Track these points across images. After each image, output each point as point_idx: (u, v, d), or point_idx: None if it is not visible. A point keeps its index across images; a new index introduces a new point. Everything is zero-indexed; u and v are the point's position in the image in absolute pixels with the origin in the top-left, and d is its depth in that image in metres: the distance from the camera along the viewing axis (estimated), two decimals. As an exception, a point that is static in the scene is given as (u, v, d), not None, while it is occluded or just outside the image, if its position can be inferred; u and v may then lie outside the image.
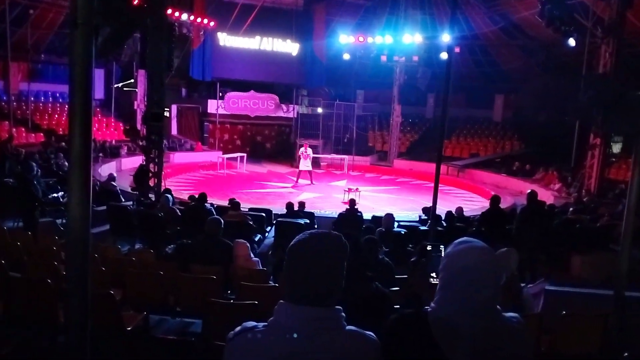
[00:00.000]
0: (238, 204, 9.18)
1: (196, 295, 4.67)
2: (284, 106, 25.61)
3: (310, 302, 1.44)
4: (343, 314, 1.48)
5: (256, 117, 25.31)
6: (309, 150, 18.53)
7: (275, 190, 17.65)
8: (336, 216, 10.29)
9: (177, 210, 9.03)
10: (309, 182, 18.37)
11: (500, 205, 8.92)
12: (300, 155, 18.68)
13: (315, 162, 22.92)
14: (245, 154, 22.25)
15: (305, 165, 18.27)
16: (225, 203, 11.32)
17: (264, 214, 10.00)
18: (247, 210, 10.33)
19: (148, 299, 4.88)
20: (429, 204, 9.59)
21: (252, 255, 6.08)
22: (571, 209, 11.46)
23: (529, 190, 8.66)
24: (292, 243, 1.52)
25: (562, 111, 18.09)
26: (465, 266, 1.55)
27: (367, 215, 10.53)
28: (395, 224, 8.57)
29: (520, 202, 15.16)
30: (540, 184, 17.93)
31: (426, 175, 20.33)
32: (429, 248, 3.58)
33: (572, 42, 16.22)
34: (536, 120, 22.43)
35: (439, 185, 6.48)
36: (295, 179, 18.66)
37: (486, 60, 25.49)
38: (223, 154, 21.97)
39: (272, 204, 14.34)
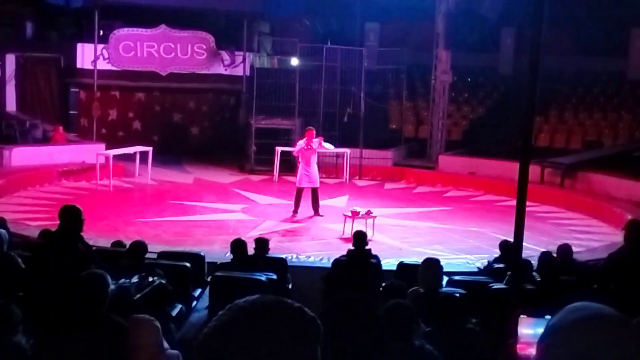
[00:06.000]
0: (142, 247, 9.17)
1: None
2: (225, 54, 25.75)
3: None
4: None
5: (171, 75, 25.45)
6: (317, 144, 17.42)
7: (212, 218, 17.69)
8: (329, 265, 10.31)
9: (18, 259, 8.99)
10: (313, 210, 17.41)
11: (644, 240, 8.99)
12: (297, 155, 17.79)
13: (286, 163, 22.96)
14: (151, 148, 22.17)
15: (306, 177, 17.16)
16: (116, 244, 11.29)
17: (188, 265, 10.00)
18: (155, 257, 10.32)
19: None
20: (508, 236, 9.64)
21: (165, 344, 6.06)
22: None
23: None
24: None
25: None
26: (588, 353, 1.58)
27: (388, 265, 10.58)
28: (445, 280, 8.59)
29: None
30: None
31: (501, 184, 20.47)
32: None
33: None
34: None
35: (527, 203, 6.50)
36: (293, 203, 17.54)
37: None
38: (107, 148, 21.97)
39: (204, 243, 14.37)
